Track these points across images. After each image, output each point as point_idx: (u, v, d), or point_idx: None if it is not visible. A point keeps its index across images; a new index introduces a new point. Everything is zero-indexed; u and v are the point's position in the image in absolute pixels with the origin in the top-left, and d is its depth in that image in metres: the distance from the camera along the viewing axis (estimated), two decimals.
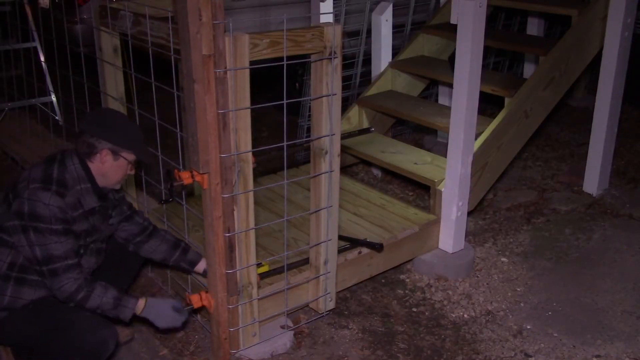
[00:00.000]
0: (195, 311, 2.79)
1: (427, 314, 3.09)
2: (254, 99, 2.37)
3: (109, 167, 2.41)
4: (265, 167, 3.84)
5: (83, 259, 2.43)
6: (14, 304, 2.35)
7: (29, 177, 2.31)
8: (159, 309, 2.48)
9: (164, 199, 2.77)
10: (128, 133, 2.42)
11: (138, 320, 2.95)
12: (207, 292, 2.57)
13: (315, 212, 2.74)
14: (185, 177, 2.39)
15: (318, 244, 2.79)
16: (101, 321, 2.35)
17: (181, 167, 3.29)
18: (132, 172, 2.52)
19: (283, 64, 2.38)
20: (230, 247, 2.48)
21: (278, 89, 2.54)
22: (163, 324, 2.50)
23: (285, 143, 2.52)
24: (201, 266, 2.77)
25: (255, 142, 2.45)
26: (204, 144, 2.32)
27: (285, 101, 2.48)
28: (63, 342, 2.29)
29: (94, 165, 2.40)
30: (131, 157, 2.43)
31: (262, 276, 2.77)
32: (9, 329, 2.37)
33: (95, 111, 2.72)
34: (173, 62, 2.82)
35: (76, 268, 2.33)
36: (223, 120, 2.31)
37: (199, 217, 2.60)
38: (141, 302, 2.44)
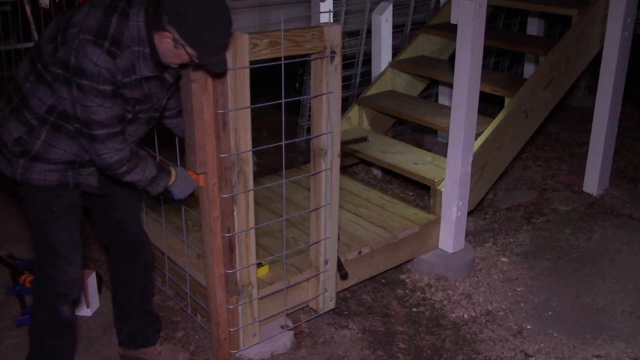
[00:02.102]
0: None
1: (427, 314, 3.08)
2: (254, 99, 2.37)
3: (167, 49, 2.06)
4: (266, 167, 3.83)
5: (132, 126, 2.19)
6: (45, 152, 2.13)
7: (83, 24, 1.98)
8: (184, 182, 2.34)
9: (163, 199, 2.77)
10: (206, 32, 1.98)
11: None
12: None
13: (315, 210, 2.74)
14: None
15: (318, 242, 2.79)
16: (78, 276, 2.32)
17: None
18: (198, 61, 2.11)
19: (282, 64, 2.38)
20: (230, 247, 2.48)
21: (278, 89, 2.53)
22: (182, 195, 2.36)
23: (284, 142, 2.52)
24: None
25: (255, 142, 2.45)
26: (201, 144, 2.32)
27: (284, 100, 2.48)
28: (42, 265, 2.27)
29: (156, 38, 2.05)
30: (194, 54, 2.05)
31: None
32: (24, 194, 2.22)
33: None
34: None
35: (119, 137, 2.07)
36: (223, 120, 2.31)
37: (198, 217, 2.60)
38: (172, 179, 2.30)
